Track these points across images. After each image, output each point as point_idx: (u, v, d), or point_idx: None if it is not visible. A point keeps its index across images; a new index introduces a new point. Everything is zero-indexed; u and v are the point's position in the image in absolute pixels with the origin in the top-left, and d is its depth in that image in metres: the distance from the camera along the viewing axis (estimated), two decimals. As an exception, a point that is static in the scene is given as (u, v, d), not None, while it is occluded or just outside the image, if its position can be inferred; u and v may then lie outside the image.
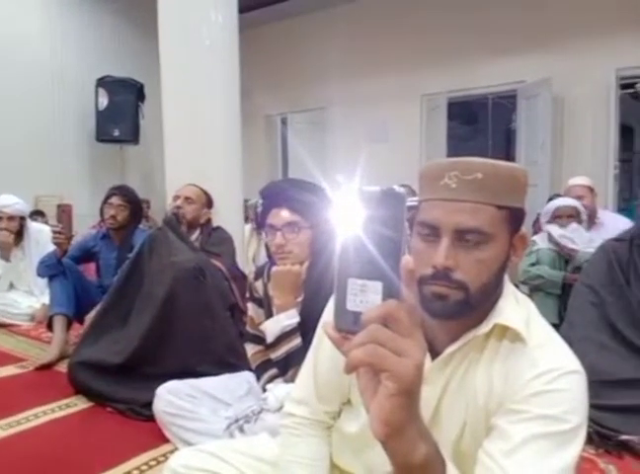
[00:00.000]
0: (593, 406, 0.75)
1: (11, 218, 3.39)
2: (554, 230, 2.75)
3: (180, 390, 1.66)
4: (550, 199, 3.27)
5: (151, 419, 1.75)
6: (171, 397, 1.64)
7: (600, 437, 1.67)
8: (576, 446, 0.71)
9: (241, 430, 1.45)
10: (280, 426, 1.02)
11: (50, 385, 2.25)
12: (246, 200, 3.91)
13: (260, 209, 1.63)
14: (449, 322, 0.78)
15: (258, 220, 3.83)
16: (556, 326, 0.84)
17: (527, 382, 0.73)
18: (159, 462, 1.59)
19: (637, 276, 1.90)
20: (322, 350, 0.92)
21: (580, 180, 3.38)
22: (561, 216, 2.83)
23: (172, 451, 1.57)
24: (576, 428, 0.71)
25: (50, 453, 1.68)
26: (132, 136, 5.92)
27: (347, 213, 0.47)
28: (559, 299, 2.67)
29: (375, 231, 0.46)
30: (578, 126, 4.93)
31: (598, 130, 4.83)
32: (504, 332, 0.79)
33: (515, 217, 0.78)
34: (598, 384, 1.62)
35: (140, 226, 3.07)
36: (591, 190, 3.26)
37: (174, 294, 1.99)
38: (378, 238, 0.46)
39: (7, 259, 3.50)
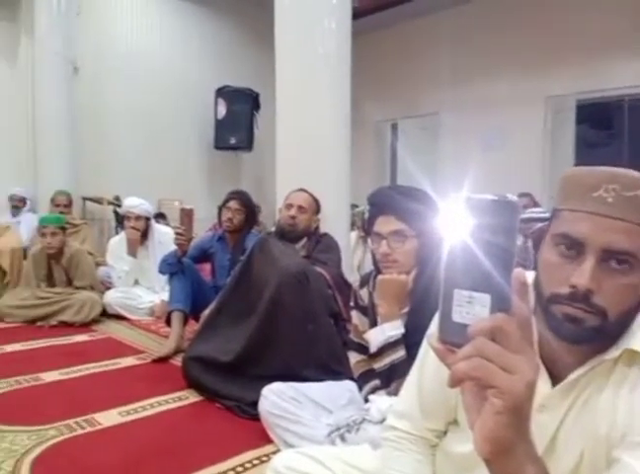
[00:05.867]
0: None
1: (138, 218, 3.73)
2: None
3: (284, 392, 1.69)
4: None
5: (256, 418, 1.79)
6: (275, 398, 1.68)
7: None
8: None
9: (342, 438, 1.44)
10: (381, 438, 0.99)
11: (165, 377, 2.38)
12: (353, 207, 3.90)
13: (367, 216, 1.61)
14: (576, 346, 0.71)
15: (365, 227, 3.81)
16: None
17: None
18: (262, 462, 1.63)
19: None
20: (427, 363, 0.89)
21: None
22: None
23: (274, 452, 1.60)
24: None
25: (162, 442, 1.78)
26: (247, 144, 6.24)
27: (455, 222, 0.45)
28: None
29: (485, 241, 0.44)
30: None
31: None
32: (634, 358, 0.71)
33: None
34: None
35: (252, 230, 3.20)
36: None
37: (279, 297, 2.04)
38: (488, 248, 0.44)
39: (134, 255, 3.83)
